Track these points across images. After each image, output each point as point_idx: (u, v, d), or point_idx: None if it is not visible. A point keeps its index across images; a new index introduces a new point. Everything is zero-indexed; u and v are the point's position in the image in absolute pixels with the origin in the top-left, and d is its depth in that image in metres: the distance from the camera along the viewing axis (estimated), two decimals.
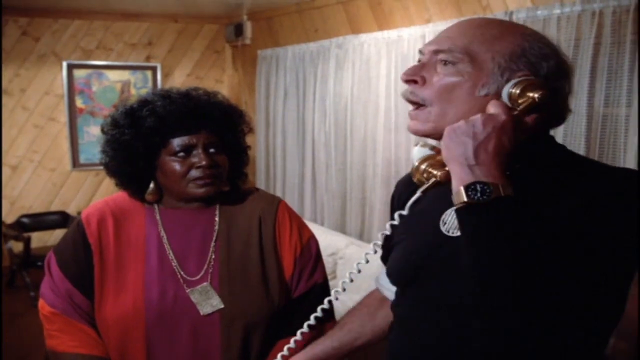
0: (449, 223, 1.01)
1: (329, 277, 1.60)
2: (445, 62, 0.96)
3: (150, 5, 5.18)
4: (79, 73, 5.46)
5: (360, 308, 1.30)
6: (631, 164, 2.50)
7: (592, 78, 2.63)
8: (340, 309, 1.52)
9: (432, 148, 1.00)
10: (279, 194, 4.92)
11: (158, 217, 1.43)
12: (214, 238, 1.42)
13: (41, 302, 1.41)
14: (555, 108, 0.97)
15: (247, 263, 1.41)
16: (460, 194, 0.86)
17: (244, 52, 5.70)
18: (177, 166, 1.36)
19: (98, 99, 5.56)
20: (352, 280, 1.01)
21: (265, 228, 1.45)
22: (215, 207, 1.45)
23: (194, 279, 1.38)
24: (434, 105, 0.96)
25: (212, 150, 1.39)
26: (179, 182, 1.38)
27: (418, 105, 0.99)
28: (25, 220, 5.23)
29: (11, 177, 5.35)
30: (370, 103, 3.99)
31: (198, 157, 1.36)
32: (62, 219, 5.34)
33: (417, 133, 1.00)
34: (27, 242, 4.57)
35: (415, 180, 0.99)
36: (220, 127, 1.42)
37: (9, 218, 5.22)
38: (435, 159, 0.97)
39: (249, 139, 1.53)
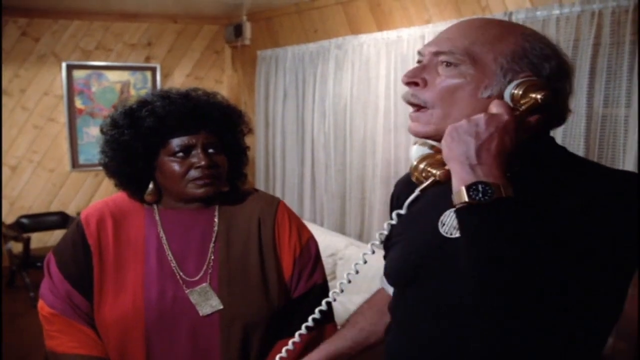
0: (448, 224, 1.01)
1: (329, 277, 1.60)
2: (446, 64, 0.95)
3: (149, 5, 5.18)
4: (78, 74, 5.46)
5: (369, 307, 1.30)
6: (631, 164, 2.50)
7: (592, 78, 2.63)
8: (340, 310, 1.52)
9: (431, 147, 1.00)
10: (278, 194, 4.92)
11: (157, 217, 1.43)
12: (213, 239, 1.42)
13: (40, 303, 1.41)
14: (556, 109, 0.96)
15: (246, 264, 1.41)
16: (461, 194, 0.85)
17: (243, 53, 5.70)
18: (176, 166, 1.36)
19: (97, 99, 5.56)
20: (349, 282, 1.01)
21: (264, 229, 1.45)
22: (214, 208, 1.45)
23: (193, 279, 1.38)
24: (436, 108, 0.96)
25: (211, 150, 1.39)
26: (178, 183, 1.38)
27: (419, 107, 0.98)
28: (24, 220, 5.23)
29: (11, 178, 5.35)
30: (369, 103, 4.00)
31: (197, 157, 1.36)
32: (61, 220, 5.34)
33: (418, 135, 0.99)
34: (26, 242, 4.56)
35: (413, 179, 0.98)
36: (220, 128, 1.42)
37: (9, 218, 5.22)
38: (434, 157, 0.97)
39: (248, 140, 1.53)
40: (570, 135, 2.71)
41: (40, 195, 5.47)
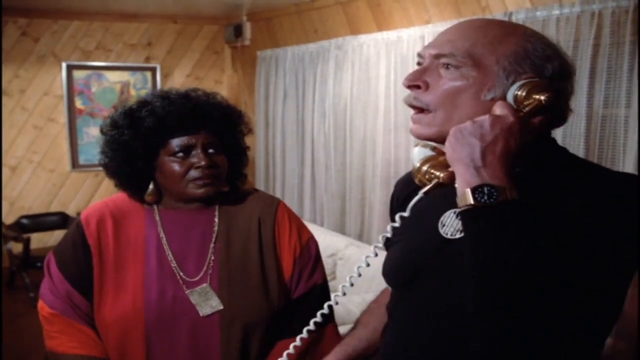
0: (448, 225, 1.01)
1: (329, 278, 1.60)
2: (447, 66, 0.94)
3: (149, 6, 5.18)
4: (78, 74, 5.46)
5: (378, 307, 1.29)
6: (631, 164, 2.50)
7: (592, 79, 2.63)
8: (340, 310, 1.52)
9: (433, 149, 0.99)
10: (278, 194, 4.92)
11: (157, 217, 1.43)
12: (214, 239, 1.42)
13: (40, 303, 1.41)
14: (558, 109, 0.96)
15: (246, 264, 1.41)
16: (466, 196, 0.85)
17: (243, 53, 5.71)
18: (176, 166, 1.37)
19: (97, 99, 5.56)
20: (352, 285, 1.00)
21: (264, 229, 1.45)
22: (214, 208, 1.45)
23: (193, 279, 1.38)
24: (438, 110, 0.95)
25: (211, 150, 1.39)
26: (178, 183, 1.38)
27: (421, 109, 0.98)
28: (24, 221, 5.24)
29: (11, 178, 5.35)
30: (369, 104, 4.00)
31: (197, 157, 1.36)
32: (61, 220, 5.34)
33: (420, 137, 0.99)
34: (26, 243, 4.56)
35: (416, 181, 0.98)
36: (220, 128, 1.42)
37: (9, 219, 5.22)
38: (437, 159, 0.96)
39: (248, 140, 1.53)
40: (570, 136, 2.71)
41: (40, 196, 5.47)
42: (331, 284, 1.52)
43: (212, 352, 1.35)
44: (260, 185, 5.34)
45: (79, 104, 5.50)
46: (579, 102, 2.63)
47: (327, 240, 3.84)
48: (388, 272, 1.14)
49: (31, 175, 5.42)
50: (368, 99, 4.00)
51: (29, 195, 5.43)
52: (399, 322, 1.09)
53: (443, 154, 0.95)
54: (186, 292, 1.36)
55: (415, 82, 0.97)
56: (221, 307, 1.35)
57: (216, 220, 1.44)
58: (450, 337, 0.97)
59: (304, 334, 1.09)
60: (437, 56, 0.96)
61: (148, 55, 5.71)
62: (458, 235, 0.99)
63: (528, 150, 0.91)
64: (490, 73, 0.93)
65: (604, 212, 0.86)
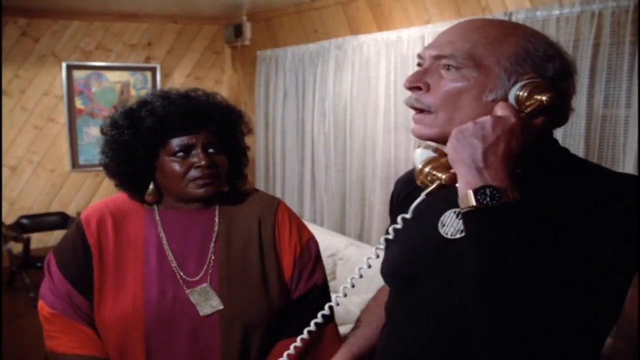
0: (448, 225, 1.01)
1: (329, 278, 1.60)
2: (448, 67, 0.94)
3: (149, 6, 5.18)
4: (78, 74, 5.46)
5: (378, 305, 1.29)
6: (631, 164, 2.50)
7: (592, 79, 2.63)
8: (340, 310, 1.52)
9: (435, 150, 0.99)
10: (278, 194, 4.92)
11: (157, 217, 1.43)
12: (214, 239, 1.42)
13: (41, 303, 1.41)
14: (560, 109, 0.96)
15: (246, 264, 1.41)
16: (468, 198, 0.85)
17: (243, 53, 5.71)
18: (176, 166, 1.37)
19: (97, 100, 5.56)
20: (353, 286, 1.00)
21: (264, 229, 1.45)
22: (214, 208, 1.45)
23: (193, 279, 1.38)
24: (440, 112, 0.95)
25: (211, 150, 1.39)
26: (178, 183, 1.38)
27: (422, 110, 0.98)
28: (24, 221, 5.24)
29: (11, 178, 5.35)
30: (369, 104, 4.00)
31: (197, 157, 1.36)
32: (61, 220, 5.34)
33: (421, 137, 0.98)
34: (26, 243, 4.56)
35: (418, 182, 0.98)
36: (220, 128, 1.42)
37: (9, 219, 5.22)
38: (439, 161, 0.96)
39: (248, 140, 1.53)
40: (570, 136, 2.71)
41: (40, 196, 5.47)
42: (331, 284, 1.52)
43: (212, 352, 1.35)
44: (260, 185, 5.34)
45: (79, 104, 5.51)
46: (579, 102, 2.63)
47: (327, 240, 3.84)
48: (387, 271, 1.13)
49: (31, 175, 5.42)
50: (368, 99, 4.00)
51: (29, 195, 5.43)
52: (398, 322, 1.08)
53: (445, 155, 0.95)
54: (186, 291, 1.36)
55: (416, 84, 0.97)
56: (221, 307, 1.35)
57: (216, 220, 1.44)
58: (450, 337, 0.97)
59: (305, 334, 1.09)
60: (438, 57, 0.95)
61: (148, 55, 5.71)
62: (458, 236, 0.99)
63: (529, 150, 0.91)
64: (491, 74, 0.92)
65: (604, 212, 0.86)
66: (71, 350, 1.35)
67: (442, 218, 1.03)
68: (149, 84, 5.71)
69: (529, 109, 0.91)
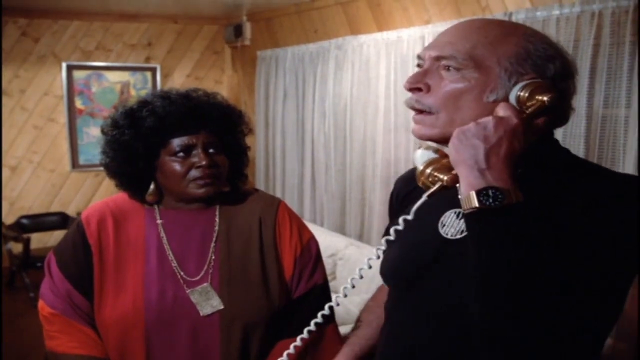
0: (448, 225, 1.01)
1: (329, 278, 1.60)
2: (448, 68, 0.94)
3: (149, 6, 5.18)
4: (78, 74, 5.46)
5: (377, 305, 1.29)
6: (631, 164, 2.50)
7: (592, 79, 2.63)
8: (340, 310, 1.52)
9: (436, 151, 0.99)
10: (278, 194, 4.92)
11: (158, 217, 1.43)
12: (214, 239, 1.42)
13: (41, 303, 1.41)
14: (560, 109, 0.96)
15: (247, 264, 1.41)
16: (471, 199, 0.85)
17: (243, 53, 5.71)
18: (177, 166, 1.37)
19: (97, 100, 5.56)
20: (354, 287, 1.00)
21: (265, 229, 1.45)
22: (215, 208, 1.45)
23: (193, 279, 1.38)
24: (441, 113, 0.95)
25: (211, 150, 1.39)
26: (179, 183, 1.38)
27: (423, 111, 0.98)
28: (24, 221, 5.24)
29: (11, 178, 5.35)
30: (369, 104, 4.00)
31: (198, 157, 1.36)
32: (61, 220, 5.34)
33: (422, 138, 0.98)
34: (26, 243, 4.56)
35: (420, 184, 0.98)
36: (220, 128, 1.42)
37: (9, 219, 5.22)
38: (440, 162, 0.96)
39: (248, 140, 1.53)
40: (570, 136, 2.71)
41: (40, 196, 5.47)
42: (331, 284, 1.52)
43: (212, 351, 1.35)
44: (260, 185, 5.34)
45: (79, 104, 5.51)
46: (579, 102, 2.63)
47: (327, 241, 3.84)
48: (386, 271, 1.13)
49: (31, 175, 5.42)
50: (368, 99, 4.00)
51: (29, 195, 5.43)
52: (398, 322, 1.08)
53: (446, 156, 0.95)
54: (187, 291, 1.36)
55: (417, 85, 0.96)
56: (222, 307, 1.35)
57: (217, 220, 1.44)
58: (450, 337, 0.97)
59: (305, 335, 1.09)
60: (438, 58, 0.95)
61: (148, 55, 5.71)
62: (459, 236, 0.98)
63: (531, 151, 0.91)
64: (491, 74, 0.92)
65: (604, 212, 0.86)
66: (71, 350, 1.35)
67: (442, 218, 1.03)
68: (149, 84, 5.71)
69: (530, 110, 0.90)
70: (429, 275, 1.01)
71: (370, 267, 0.98)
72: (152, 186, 1.41)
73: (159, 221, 1.42)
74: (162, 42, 5.75)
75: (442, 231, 1.01)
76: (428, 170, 0.96)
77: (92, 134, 5.47)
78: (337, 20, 4.41)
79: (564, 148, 1.00)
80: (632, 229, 0.84)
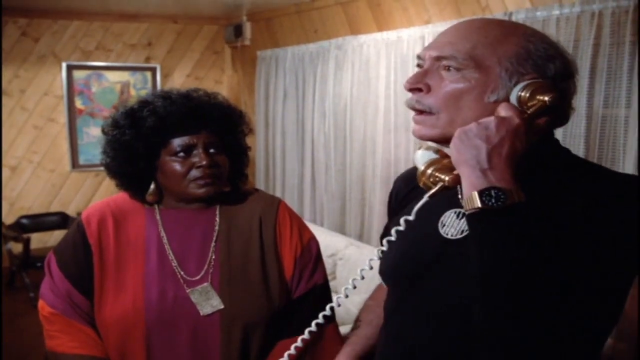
0: (449, 225, 1.01)
1: (329, 278, 1.60)
2: (449, 68, 0.94)
3: (149, 6, 5.18)
4: (78, 74, 5.46)
5: (377, 304, 1.29)
6: (631, 164, 2.50)
7: (592, 79, 2.63)
8: (340, 310, 1.52)
9: (437, 151, 0.99)
10: (278, 194, 4.92)
11: (158, 217, 1.43)
12: (214, 238, 1.42)
13: (41, 303, 1.41)
14: (561, 109, 0.96)
15: (247, 263, 1.41)
16: (473, 199, 0.85)
17: (243, 53, 5.71)
18: (177, 166, 1.37)
19: (97, 100, 5.56)
20: (355, 287, 1.00)
21: (265, 229, 1.45)
22: (215, 208, 1.46)
23: (194, 279, 1.38)
24: (441, 113, 0.94)
25: (212, 150, 1.39)
26: (179, 183, 1.38)
27: (423, 112, 0.97)
28: (24, 221, 5.23)
29: (11, 178, 5.35)
30: (369, 104, 4.00)
31: (198, 157, 1.36)
32: (61, 220, 5.34)
33: (423, 138, 0.98)
34: (26, 243, 4.56)
35: (421, 184, 0.97)
36: (220, 128, 1.42)
37: (9, 219, 5.22)
38: (441, 162, 0.95)
39: (248, 140, 1.53)
40: (570, 136, 2.71)
41: (40, 196, 5.47)
42: (331, 284, 1.52)
43: (212, 351, 1.35)
44: (260, 185, 5.34)
45: (79, 104, 5.50)
46: (579, 102, 2.63)
47: (327, 240, 3.83)
48: (386, 271, 1.13)
49: (31, 175, 5.42)
50: (368, 99, 4.00)
51: (29, 195, 5.43)
52: (398, 322, 1.08)
53: (447, 156, 0.95)
54: (187, 291, 1.36)
55: (417, 85, 0.96)
56: (222, 307, 1.35)
57: (217, 219, 1.44)
58: (450, 337, 0.97)
59: (305, 335, 1.09)
60: (438, 58, 0.95)
61: (148, 55, 5.71)
62: (459, 236, 0.98)
63: (531, 151, 0.91)
64: (492, 74, 0.92)
65: (605, 212, 0.86)
66: (71, 350, 1.35)
67: (442, 218, 1.02)
68: (149, 84, 5.71)
69: (531, 110, 0.90)
70: (429, 275, 1.01)
71: (371, 267, 0.98)
72: (152, 186, 1.41)
73: (159, 221, 1.42)
74: (162, 42, 5.75)
75: (442, 231, 1.01)
76: (429, 171, 0.95)
77: (92, 134, 5.47)
78: (337, 20, 4.41)
79: (564, 148, 1.00)
80: (632, 229, 0.84)
